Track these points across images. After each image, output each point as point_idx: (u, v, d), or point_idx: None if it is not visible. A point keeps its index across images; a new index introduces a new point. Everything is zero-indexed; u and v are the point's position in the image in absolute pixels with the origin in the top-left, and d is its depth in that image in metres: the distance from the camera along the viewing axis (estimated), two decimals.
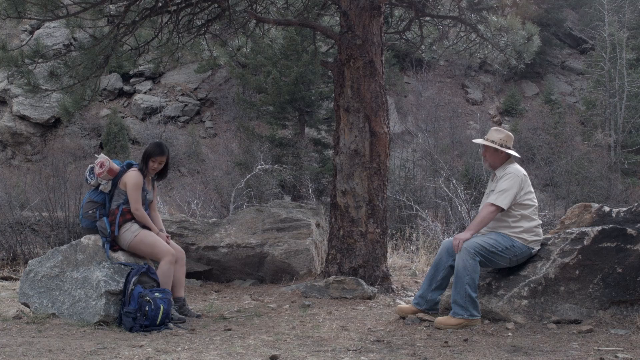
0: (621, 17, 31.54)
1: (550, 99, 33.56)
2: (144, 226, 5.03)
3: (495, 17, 7.59)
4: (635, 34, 32.47)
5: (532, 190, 4.74)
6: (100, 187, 5.05)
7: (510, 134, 4.88)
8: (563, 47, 39.63)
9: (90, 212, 5.06)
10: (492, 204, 4.58)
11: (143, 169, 5.13)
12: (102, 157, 5.05)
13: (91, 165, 5.11)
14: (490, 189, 4.79)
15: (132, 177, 5.02)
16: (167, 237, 5.18)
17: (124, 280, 4.77)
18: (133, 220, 5.00)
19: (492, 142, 4.76)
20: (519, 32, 7.52)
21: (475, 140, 5.15)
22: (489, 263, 4.60)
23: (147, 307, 4.56)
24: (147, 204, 5.18)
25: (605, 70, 30.24)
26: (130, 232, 4.95)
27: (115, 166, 5.07)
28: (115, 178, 5.06)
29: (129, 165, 5.15)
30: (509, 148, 4.77)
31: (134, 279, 4.72)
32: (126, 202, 5.02)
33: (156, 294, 4.67)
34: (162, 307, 4.60)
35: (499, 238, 4.58)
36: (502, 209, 4.57)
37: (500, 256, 4.56)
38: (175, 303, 5.04)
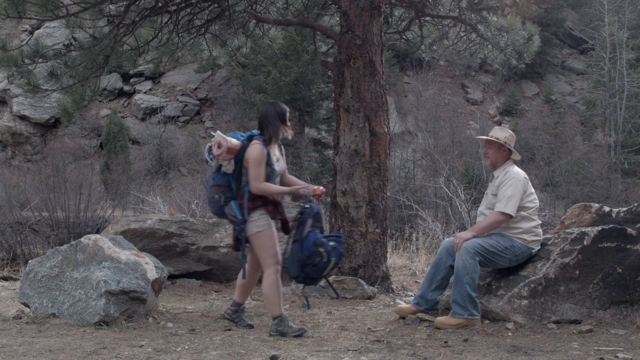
0: (621, 17, 31.54)
1: (550, 99, 33.58)
2: (275, 211, 4.44)
3: (495, 17, 7.59)
4: (635, 34, 32.48)
5: (533, 191, 4.75)
6: (223, 169, 4.44)
7: (513, 134, 4.88)
8: (563, 47, 39.65)
9: (215, 196, 4.46)
10: (502, 213, 4.55)
11: (272, 137, 4.46)
12: (218, 135, 4.42)
13: (209, 144, 4.48)
14: (491, 191, 4.76)
15: (254, 151, 4.35)
16: (320, 189, 4.45)
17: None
18: (262, 210, 4.39)
19: (497, 139, 4.76)
20: (519, 32, 7.53)
21: (479, 137, 5.16)
22: (489, 263, 4.60)
23: (318, 259, 4.28)
24: (277, 177, 4.53)
25: (605, 70, 30.25)
26: (255, 226, 4.37)
27: (235, 143, 4.40)
28: (238, 155, 4.41)
29: (250, 138, 4.47)
30: (510, 148, 4.78)
31: (309, 220, 4.36)
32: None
33: (331, 243, 4.33)
34: (333, 261, 4.31)
35: (499, 238, 4.58)
36: (511, 216, 4.57)
37: (500, 256, 4.56)
38: (234, 307, 4.72)
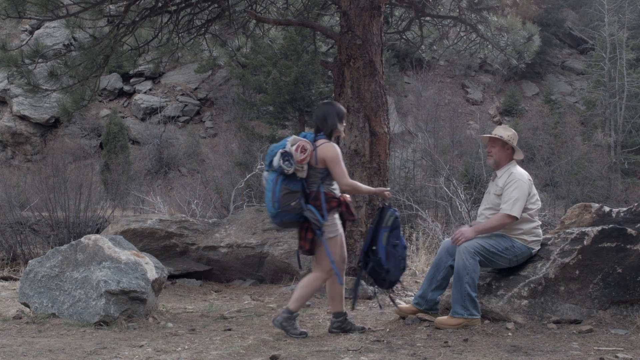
0: (621, 17, 31.53)
1: (550, 99, 33.58)
2: (348, 212, 4.33)
3: (495, 17, 7.59)
4: (635, 34, 32.47)
5: (536, 192, 4.74)
6: (299, 174, 4.22)
7: (516, 133, 4.88)
8: (563, 47, 39.66)
9: (293, 203, 4.18)
10: (509, 215, 4.53)
11: (332, 135, 4.35)
12: (294, 140, 4.24)
13: (282, 150, 4.19)
14: (493, 191, 4.74)
15: (330, 150, 4.23)
16: (387, 192, 4.49)
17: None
18: (335, 211, 4.28)
19: (500, 136, 4.76)
20: (519, 32, 7.53)
21: (483, 135, 5.15)
22: (489, 263, 4.60)
23: (404, 264, 4.47)
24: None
25: (605, 70, 30.25)
26: (330, 230, 4.25)
27: (310, 145, 4.25)
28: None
29: (315, 139, 4.32)
30: (514, 146, 4.78)
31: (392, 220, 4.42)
32: (323, 181, 4.26)
33: (404, 250, 4.46)
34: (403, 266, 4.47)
35: (499, 238, 4.58)
36: (517, 219, 4.57)
37: (500, 256, 4.56)
38: (336, 318, 4.46)
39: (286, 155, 4.16)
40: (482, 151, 5.38)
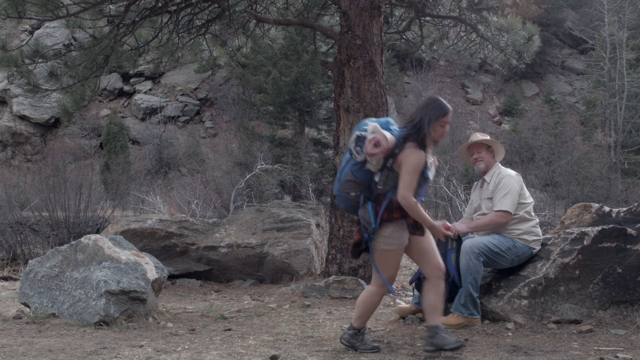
0: (621, 17, 31.54)
1: (550, 99, 33.58)
2: (415, 227, 3.78)
3: (495, 17, 7.60)
4: (635, 34, 32.47)
5: (525, 188, 4.78)
6: (368, 166, 3.73)
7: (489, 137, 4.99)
8: (563, 47, 39.66)
9: (352, 194, 3.80)
10: (502, 211, 4.57)
11: (432, 139, 3.74)
12: (375, 128, 3.67)
13: (358, 133, 3.72)
14: (486, 195, 4.75)
15: (414, 156, 3.64)
16: (447, 226, 4.04)
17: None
18: (396, 224, 3.72)
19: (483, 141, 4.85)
20: (519, 32, 7.54)
21: (470, 142, 4.92)
22: (492, 263, 4.61)
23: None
24: (424, 189, 3.83)
25: (605, 70, 30.25)
26: (385, 242, 3.73)
27: (392, 142, 3.69)
28: (389, 152, 3.71)
29: (406, 137, 3.74)
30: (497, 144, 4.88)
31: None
32: (396, 188, 3.69)
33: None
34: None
35: (501, 238, 4.60)
36: (511, 214, 4.58)
37: (503, 257, 4.57)
38: (431, 331, 3.85)
39: (360, 141, 3.70)
40: (472, 159, 5.31)
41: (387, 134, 3.67)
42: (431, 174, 3.76)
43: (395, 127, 3.81)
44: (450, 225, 3.97)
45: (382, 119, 3.82)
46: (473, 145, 4.85)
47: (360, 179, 3.76)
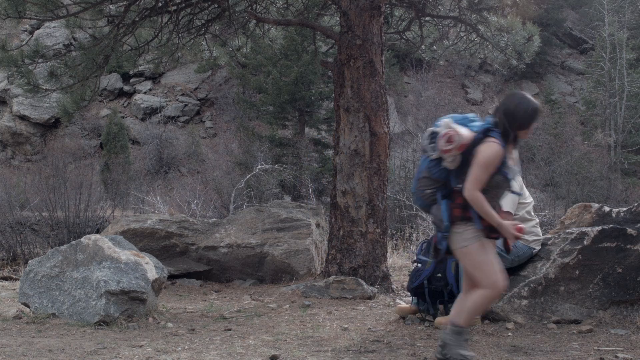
0: (621, 17, 31.53)
1: (550, 99, 33.55)
2: (491, 229, 3.45)
3: (495, 17, 7.60)
4: (635, 34, 32.47)
5: (525, 187, 4.78)
6: (444, 163, 3.51)
7: None
8: (563, 47, 39.65)
9: (428, 191, 3.60)
10: (502, 211, 4.59)
11: (509, 139, 3.46)
12: (448, 124, 3.47)
13: (432, 129, 3.55)
14: None
15: (488, 150, 3.38)
16: (520, 227, 3.51)
17: None
18: (470, 223, 3.46)
19: None
20: (519, 32, 7.54)
21: None
22: None
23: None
24: (505, 193, 3.57)
25: (605, 70, 30.24)
26: (461, 239, 3.48)
27: (466, 137, 3.44)
28: (468, 148, 3.45)
29: (487, 131, 3.46)
30: None
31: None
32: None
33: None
34: None
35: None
36: (511, 214, 4.57)
37: (503, 257, 4.57)
38: (448, 335, 3.57)
39: (434, 137, 3.51)
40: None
41: (462, 129, 3.44)
42: (512, 174, 3.47)
43: (476, 122, 3.55)
44: (523, 226, 3.55)
45: (459, 115, 3.58)
46: None
47: (436, 175, 3.54)
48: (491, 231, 3.46)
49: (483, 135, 3.45)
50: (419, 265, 4.77)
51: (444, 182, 3.55)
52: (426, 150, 3.57)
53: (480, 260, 3.46)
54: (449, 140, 3.41)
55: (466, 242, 3.46)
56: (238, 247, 7.01)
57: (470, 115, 3.61)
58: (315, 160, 23.47)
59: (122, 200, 16.24)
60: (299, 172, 20.38)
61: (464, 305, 3.53)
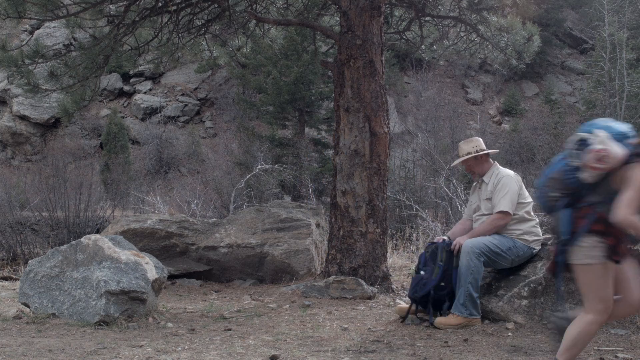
0: (621, 17, 31.52)
1: (550, 99, 33.57)
2: (614, 250, 3.15)
3: (495, 17, 7.59)
4: (635, 34, 32.46)
5: (524, 188, 4.81)
6: (583, 175, 3.19)
7: (477, 137, 5.02)
8: (563, 47, 39.66)
9: (552, 194, 3.31)
10: (501, 212, 4.62)
11: None
12: (604, 141, 3.09)
13: (584, 136, 3.17)
14: (484, 197, 4.78)
15: None
16: None
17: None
18: (602, 239, 3.14)
19: (468, 153, 4.88)
20: (519, 32, 7.53)
21: (453, 164, 5.23)
22: (492, 264, 4.62)
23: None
24: None
25: (605, 70, 30.23)
26: (586, 255, 3.15)
27: (620, 159, 3.08)
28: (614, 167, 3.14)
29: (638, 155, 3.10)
30: (484, 150, 4.89)
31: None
32: (607, 202, 3.10)
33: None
34: None
35: (502, 238, 4.61)
36: (510, 214, 4.60)
37: (504, 257, 4.58)
38: None
39: (582, 145, 3.17)
40: (465, 170, 5.34)
41: (616, 148, 3.09)
42: None
43: (634, 138, 3.19)
44: None
45: (619, 127, 3.20)
46: (463, 161, 4.92)
47: (568, 182, 3.24)
48: (614, 253, 3.18)
49: (636, 157, 3.11)
50: (422, 272, 4.74)
51: (574, 191, 3.24)
52: (570, 155, 3.24)
53: (598, 285, 3.18)
54: (601, 160, 3.10)
55: (591, 260, 3.16)
56: (238, 247, 7.01)
57: (628, 129, 3.23)
58: (315, 160, 23.48)
59: (122, 200, 16.24)
60: (299, 172, 20.38)
61: (567, 337, 3.23)
